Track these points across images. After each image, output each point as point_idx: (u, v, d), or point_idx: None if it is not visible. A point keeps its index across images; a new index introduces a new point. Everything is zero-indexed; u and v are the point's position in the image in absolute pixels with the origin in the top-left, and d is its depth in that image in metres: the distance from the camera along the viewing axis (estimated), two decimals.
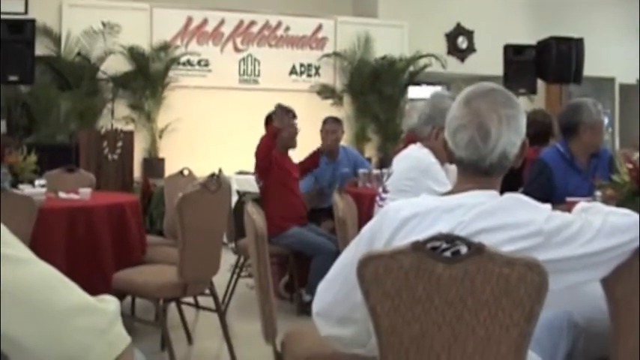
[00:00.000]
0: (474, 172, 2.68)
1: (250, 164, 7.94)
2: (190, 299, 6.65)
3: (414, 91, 15.26)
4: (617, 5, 16.23)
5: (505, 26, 14.99)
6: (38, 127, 11.90)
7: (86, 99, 12.21)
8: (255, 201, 5.70)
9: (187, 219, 5.53)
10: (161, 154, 12.88)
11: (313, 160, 8.19)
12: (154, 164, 12.69)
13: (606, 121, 5.89)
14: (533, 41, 13.20)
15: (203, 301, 6.67)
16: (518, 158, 2.72)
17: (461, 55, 15.49)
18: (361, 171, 8.62)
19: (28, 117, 11.92)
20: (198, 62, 13.50)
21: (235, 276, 7.56)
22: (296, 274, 7.61)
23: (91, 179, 7.78)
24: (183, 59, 13.27)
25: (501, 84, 11.96)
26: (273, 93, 13.15)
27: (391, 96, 14.22)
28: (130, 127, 12.30)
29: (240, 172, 11.79)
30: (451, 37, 15.45)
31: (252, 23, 13.89)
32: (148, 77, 12.81)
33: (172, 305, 6.22)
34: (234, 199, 8.81)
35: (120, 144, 10.69)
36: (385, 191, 5.07)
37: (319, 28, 14.31)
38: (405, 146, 5.56)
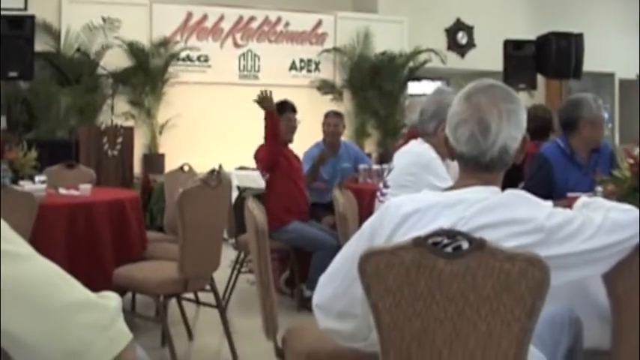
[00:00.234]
0: (475, 168, 2.69)
1: (250, 160, 7.93)
2: (191, 295, 6.66)
3: (413, 87, 15.26)
4: (617, 0, 16.22)
5: (505, 21, 14.98)
6: (38, 123, 11.90)
7: (86, 95, 12.20)
8: (255, 197, 5.71)
9: (188, 215, 5.53)
10: (161, 150, 12.88)
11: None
12: (154, 160, 12.68)
13: (606, 116, 5.90)
14: (532, 36, 13.21)
15: (203, 296, 6.68)
16: (520, 153, 2.72)
17: (461, 50, 15.48)
18: (361, 166, 8.63)
19: (28, 113, 11.91)
20: (198, 58, 13.49)
21: (236, 272, 7.56)
22: (297, 269, 7.61)
23: (91, 175, 7.77)
24: (183, 55, 13.26)
25: (501, 79, 12.02)
26: (273, 88, 12.96)
27: (391, 91, 14.22)
28: (130, 122, 12.29)
29: (241, 168, 11.78)
30: (451, 33, 15.44)
31: (252, 19, 13.88)
32: (147, 73, 12.80)
33: (173, 301, 6.23)
34: (235, 194, 8.81)
35: (120, 140, 10.69)
36: (386, 186, 5.07)
37: (319, 23, 14.30)
38: (406, 142, 5.57)
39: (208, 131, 12.94)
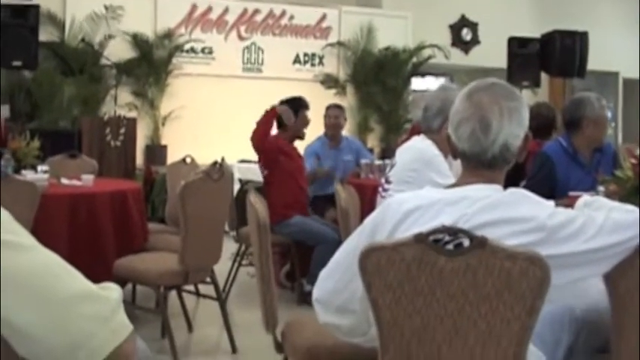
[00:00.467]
0: (477, 165, 2.69)
1: (252, 153, 7.93)
2: (191, 287, 6.67)
3: (417, 83, 15.25)
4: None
5: (509, 19, 14.97)
6: (41, 112, 11.89)
7: (89, 85, 12.21)
8: (257, 190, 5.72)
9: (190, 207, 5.54)
10: (163, 142, 12.88)
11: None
12: (156, 151, 12.69)
13: (609, 115, 5.90)
14: (537, 34, 13.20)
15: (204, 288, 6.69)
16: (522, 151, 2.73)
17: (465, 46, 15.47)
18: (363, 161, 8.64)
19: (31, 102, 11.91)
20: (202, 50, 13.49)
21: (236, 264, 7.57)
22: (297, 263, 7.61)
23: (93, 165, 7.78)
24: (187, 47, 13.25)
25: (505, 77, 12.06)
26: (276, 82, 13.16)
27: (394, 87, 14.22)
28: (133, 113, 12.30)
29: (243, 161, 11.77)
30: (455, 29, 15.44)
31: (257, 12, 13.88)
32: (151, 64, 12.81)
33: (173, 293, 6.23)
34: (236, 187, 8.81)
35: (123, 131, 10.69)
36: (388, 182, 5.07)
37: (323, 17, 14.30)
38: (409, 137, 5.57)
39: (211, 123, 12.95)
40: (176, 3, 13.34)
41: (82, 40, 12.41)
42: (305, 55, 14.21)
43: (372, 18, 14.35)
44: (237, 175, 9.64)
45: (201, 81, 13.22)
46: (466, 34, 15.46)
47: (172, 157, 11.45)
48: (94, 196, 6.26)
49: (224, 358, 5.92)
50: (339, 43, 14.23)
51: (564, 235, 2.53)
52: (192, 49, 13.38)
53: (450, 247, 2.38)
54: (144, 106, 12.83)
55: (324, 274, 2.86)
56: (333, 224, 7.30)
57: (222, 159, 6.20)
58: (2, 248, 1.53)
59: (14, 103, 11.50)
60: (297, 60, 14.16)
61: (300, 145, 8.12)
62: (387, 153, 12.98)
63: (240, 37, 13.80)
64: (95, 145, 10.50)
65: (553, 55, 12.70)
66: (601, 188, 5.01)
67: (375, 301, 2.48)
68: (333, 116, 8.84)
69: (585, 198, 3.04)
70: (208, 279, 6.06)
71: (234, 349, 5.88)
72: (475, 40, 15.51)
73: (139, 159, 11.94)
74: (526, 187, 5.46)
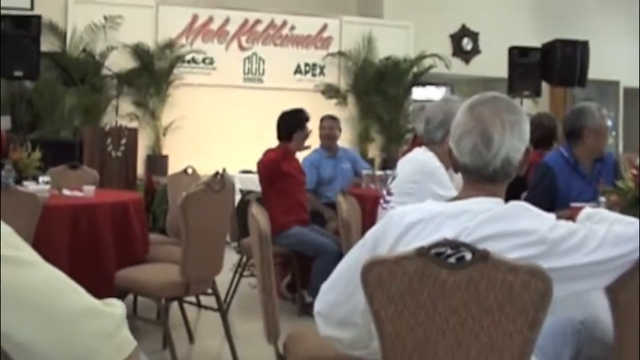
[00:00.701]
0: (479, 179, 2.69)
1: (253, 163, 7.92)
2: (192, 298, 6.66)
3: (418, 92, 15.26)
4: (623, 8, 16.22)
5: (510, 28, 14.98)
6: (42, 122, 11.92)
7: (91, 95, 12.23)
8: (258, 200, 5.72)
9: (191, 218, 5.54)
10: (165, 152, 12.89)
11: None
12: (157, 161, 12.70)
13: (610, 124, 5.90)
14: (538, 43, 13.21)
15: (205, 299, 6.68)
16: (523, 165, 2.73)
17: (466, 56, 15.47)
18: (364, 172, 8.67)
19: (32, 113, 11.93)
20: (203, 60, 13.50)
21: (238, 275, 7.56)
22: (298, 274, 7.60)
23: (94, 176, 7.78)
24: (188, 57, 13.27)
25: (506, 86, 12.06)
26: (277, 92, 13.18)
27: (395, 97, 14.23)
28: (134, 124, 12.32)
29: (244, 171, 11.79)
30: (456, 39, 15.44)
31: (258, 22, 13.89)
32: (152, 74, 12.82)
33: (174, 304, 6.23)
34: (237, 197, 8.82)
35: (124, 141, 10.71)
36: (389, 194, 5.07)
37: (324, 27, 14.30)
38: (411, 149, 5.58)
39: (212, 133, 12.96)
40: (177, 13, 13.36)
41: (84, 50, 12.44)
42: (306, 65, 14.22)
43: (372, 28, 14.36)
44: (238, 186, 9.65)
45: (202, 91, 13.24)
46: (467, 43, 15.47)
47: (173, 167, 11.47)
48: (96, 208, 6.26)
49: None
50: (340, 53, 14.23)
51: (566, 248, 2.53)
52: (194, 60, 13.40)
53: (452, 260, 2.38)
54: (145, 117, 12.84)
55: (325, 287, 2.86)
56: (334, 235, 7.29)
57: (224, 170, 6.20)
58: (4, 264, 1.52)
59: (15, 114, 11.51)
60: (298, 70, 14.17)
61: (299, 155, 8.11)
62: (388, 163, 13.00)
63: (241, 48, 13.81)
64: (96, 155, 10.52)
65: (554, 64, 12.71)
66: (602, 199, 5.02)
67: (377, 314, 2.48)
68: (328, 127, 8.86)
69: (587, 211, 3.05)
70: (210, 290, 6.05)
71: None
72: (476, 50, 15.52)
73: (140, 169, 11.96)
74: (527, 198, 5.51)
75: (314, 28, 14.24)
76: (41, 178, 6.76)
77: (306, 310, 6.98)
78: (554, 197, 5.55)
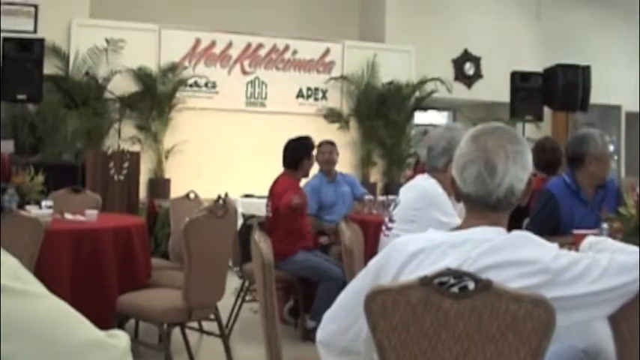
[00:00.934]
0: (482, 208, 2.70)
1: (256, 187, 7.95)
2: (194, 323, 6.65)
3: (420, 117, 15.29)
4: (624, 33, 16.25)
5: (512, 53, 15.02)
6: (44, 146, 11.93)
7: (93, 118, 12.25)
8: (260, 225, 5.71)
9: (194, 244, 5.54)
10: (167, 175, 12.91)
11: None
12: (159, 185, 12.72)
13: (612, 149, 5.90)
14: (540, 68, 13.26)
15: (207, 325, 6.67)
16: (525, 195, 2.73)
17: (468, 81, 15.51)
18: (367, 197, 8.67)
19: (35, 136, 11.95)
20: (206, 84, 13.53)
21: (240, 300, 7.55)
22: (301, 299, 7.59)
23: (97, 200, 7.78)
24: (191, 81, 13.31)
25: (508, 110, 12.08)
26: (280, 116, 13.22)
27: (397, 121, 14.25)
28: (137, 147, 12.32)
29: (246, 195, 11.79)
30: (458, 63, 15.48)
31: (260, 46, 13.93)
32: (155, 98, 12.85)
33: (176, 329, 6.22)
34: (240, 222, 8.82)
35: (126, 165, 10.70)
36: (392, 221, 5.08)
37: (327, 52, 14.34)
38: (414, 175, 5.59)
39: (214, 157, 12.99)
40: (180, 37, 13.40)
41: (86, 73, 12.47)
42: (308, 89, 14.25)
43: (375, 52, 14.39)
44: (240, 210, 9.65)
45: (204, 115, 13.26)
46: (469, 68, 15.51)
47: (175, 190, 11.48)
48: (98, 232, 6.26)
49: None
50: (343, 78, 14.26)
51: (569, 277, 2.54)
52: (196, 83, 13.43)
53: (455, 289, 2.39)
54: (147, 140, 12.86)
55: (327, 316, 2.87)
56: (338, 260, 7.28)
57: (226, 194, 6.20)
58: (10, 296, 1.53)
59: (18, 137, 11.54)
60: (300, 94, 14.20)
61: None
62: (390, 188, 13.01)
63: (244, 72, 13.84)
64: (99, 178, 10.51)
65: (556, 89, 12.76)
66: (605, 225, 5.01)
67: (380, 343, 2.48)
68: (327, 152, 8.87)
69: (590, 239, 3.05)
70: (212, 315, 6.05)
71: None
72: (478, 75, 15.55)
73: (142, 192, 11.95)
74: (530, 224, 5.51)
75: (316, 53, 14.28)
76: (44, 203, 6.77)
77: (308, 335, 6.96)
78: (556, 224, 5.54)
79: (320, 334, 2.89)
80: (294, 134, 7.87)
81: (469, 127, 2.90)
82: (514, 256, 2.54)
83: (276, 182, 7.65)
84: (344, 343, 2.80)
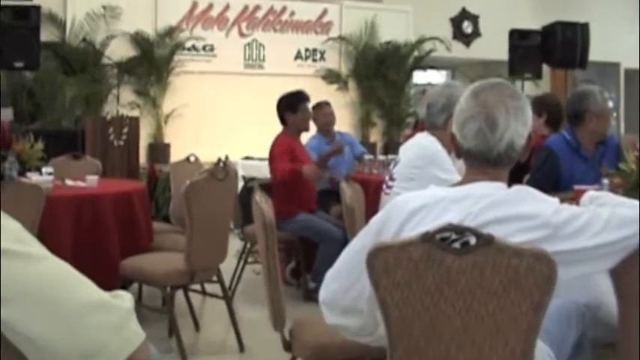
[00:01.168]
0: (482, 163, 2.70)
1: (256, 150, 7.94)
2: (197, 286, 6.67)
3: (419, 76, 15.26)
4: None
5: (510, 11, 14.96)
6: (43, 113, 11.91)
7: (91, 85, 12.22)
8: (261, 186, 5.72)
9: (195, 207, 5.54)
10: (166, 140, 12.91)
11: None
12: (159, 149, 12.72)
13: (611, 105, 5.89)
14: (538, 26, 13.21)
15: (210, 287, 6.69)
16: (525, 151, 2.74)
17: (466, 39, 15.46)
18: (366, 157, 8.68)
19: (33, 103, 11.92)
20: (204, 47, 13.50)
21: (242, 262, 7.57)
22: (302, 260, 7.61)
23: (97, 166, 7.77)
24: (189, 44, 13.27)
25: (506, 69, 12.05)
26: (278, 78, 13.17)
27: (396, 81, 14.22)
28: (136, 112, 12.30)
29: (246, 158, 11.79)
30: (456, 22, 15.43)
31: (257, 8, 13.89)
32: (152, 62, 12.82)
33: (179, 292, 6.24)
34: (240, 184, 8.81)
35: (126, 130, 10.68)
36: (392, 179, 5.08)
37: (324, 12, 14.29)
38: (413, 134, 5.58)
39: (214, 121, 12.97)
40: (176, 0, 13.34)
41: (83, 39, 12.44)
42: (306, 50, 14.22)
43: (373, 12, 14.34)
44: (240, 172, 9.65)
45: (203, 78, 13.23)
46: (467, 26, 15.46)
47: (175, 155, 11.47)
48: (99, 198, 6.26)
49: (232, 356, 5.92)
50: (341, 38, 14.22)
51: (570, 231, 2.54)
52: (194, 47, 13.40)
53: (457, 245, 2.39)
54: (146, 105, 12.85)
55: (329, 275, 2.87)
56: (339, 220, 7.29)
57: (226, 157, 6.21)
58: (13, 258, 1.53)
59: (16, 105, 11.50)
60: (298, 56, 14.17)
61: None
62: (390, 147, 13.01)
63: (242, 34, 13.81)
64: (98, 144, 10.50)
65: (554, 46, 12.72)
66: (605, 181, 5.02)
67: (383, 300, 2.49)
68: (328, 113, 8.83)
69: (590, 194, 3.06)
70: (214, 277, 6.06)
71: (241, 348, 5.88)
72: (476, 33, 15.51)
73: (142, 157, 11.94)
74: (530, 180, 5.51)
75: (314, 14, 14.23)
76: (44, 169, 6.76)
77: (310, 295, 6.99)
78: (556, 180, 5.54)
79: (322, 294, 2.89)
80: None
81: (468, 85, 2.89)
82: (515, 211, 2.55)
83: (274, 143, 7.64)
84: (346, 302, 2.81)
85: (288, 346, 3.75)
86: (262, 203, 3.67)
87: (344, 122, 12.13)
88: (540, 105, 6.76)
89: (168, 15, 13.18)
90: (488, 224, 2.51)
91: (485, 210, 2.55)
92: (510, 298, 2.42)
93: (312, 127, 8.34)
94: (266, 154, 7.75)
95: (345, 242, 2.94)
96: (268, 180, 7.95)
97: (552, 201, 2.63)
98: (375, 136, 14.30)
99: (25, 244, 1.58)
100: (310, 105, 7.91)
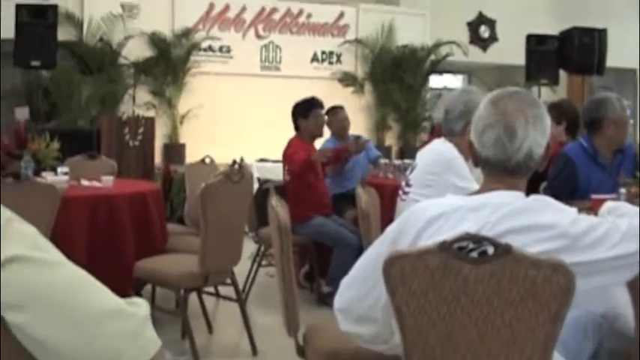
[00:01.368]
0: (500, 172, 2.68)
1: (271, 152, 7.94)
2: (211, 288, 6.66)
3: (435, 80, 15.24)
4: None
5: (527, 16, 14.93)
6: (59, 112, 11.95)
7: (108, 84, 12.26)
8: (276, 188, 5.70)
9: (210, 209, 5.54)
10: (182, 140, 12.93)
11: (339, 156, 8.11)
12: (174, 150, 12.73)
13: (628, 112, 5.85)
14: (555, 31, 13.19)
15: (224, 290, 6.68)
16: (543, 160, 2.72)
17: (483, 44, 15.44)
18: (382, 161, 8.65)
19: (50, 102, 11.95)
20: (220, 48, 13.52)
21: (256, 265, 7.56)
22: (316, 264, 7.61)
23: (112, 166, 7.77)
24: (205, 45, 13.30)
25: (523, 74, 12.00)
26: (294, 80, 13.17)
27: (412, 85, 14.21)
28: (151, 113, 12.33)
29: (262, 160, 11.79)
30: (473, 26, 15.42)
31: (274, 10, 13.91)
32: (169, 63, 12.85)
33: (193, 294, 6.24)
34: (255, 186, 8.81)
35: (141, 130, 10.68)
36: (408, 185, 5.06)
37: (341, 15, 14.30)
38: (430, 140, 5.56)
39: (229, 122, 12.98)
40: (193, 2, 13.39)
41: (100, 39, 12.46)
42: (323, 53, 14.23)
43: (390, 16, 14.35)
44: (255, 174, 9.64)
45: (219, 79, 13.25)
46: (484, 31, 15.44)
47: (191, 155, 11.50)
48: (114, 198, 6.25)
49: None
50: (357, 41, 14.22)
51: (588, 242, 2.52)
52: (210, 48, 13.43)
53: (475, 254, 2.38)
54: (162, 105, 12.88)
55: (345, 283, 2.86)
56: (353, 224, 7.28)
57: (241, 159, 6.19)
58: (26, 264, 1.52)
59: (32, 104, 11.53)
60: (314, 58, 14.18)
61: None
62: (405, 151, 13.00)
63: (258, 36, 13.83)
64: (114, 144, 10.52)
65: (572, 52, 12.69)
66: (622, 190, 4.99)
67: (398, 308, 2.47)
68: (343, 118, 8.81)
69: (609, 204, 3.04)
70: (228, 280, 6.06)
71: (254, 351, 5.87)
72: (493, 38, 15.48)
73: (158, 158, 11.95)
74: (547, 188, 5.48)
75: (331, 16, 14.24)
76: (60, 169, 6.76)
77: (324, 299, 6.99)
78: (574, 188, 5.51)
79: (337, 302, 2.88)
80: None
81: (485, 91, 2.88)
82: (533, 221, 2.53)
83: (288, 145, 7.67)
84: (361, 310, 2.79)
85: (301, 352, 3.73)
86: (278, 207, 3.66)
87: (359, 126, 12.12)
88: (559, 112, 6.73)
89: (185, 16, 13.21)
90: (505, 234, 2.49)
91: (502, 219, 2.53)
92: (527, 308, 2.40)
93: (326, 132, 8.34)
94: (280, 157, 7.76)
95: (359, 248, 2.93)
96: (283, 182, 7.95)
97: (570, 211, 2.61)
98: (391, 139, 14.29)
99: (40, 249, 1.57)
100: (325, 109, 7.92)
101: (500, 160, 2.66)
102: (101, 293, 1.61)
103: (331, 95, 11.32)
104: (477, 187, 2.88)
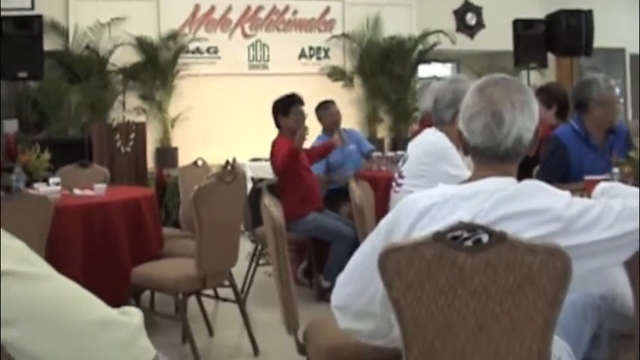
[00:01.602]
0: (490, 159, 2.68)
1: (263, 151, 7.93)
2: (210, 291, 6.65)
3: (424, 70, 15.22)
4: None
5: (513, 1, 14.89)
6: (49, 122, 11.90)
7: (96, 92, 12.21)
8: (270, 187, 5.70)
9: (204, 211, 5.52)
10: (174, 144, 12.89)
11: (325, 151, 8.11)
12: (167, 154, 12.70)
13: (618, 92, 5.83)
14: (542, 15, 13.17)
15: (222, 291, 6.67)
16: (533, 145, 2.71)
17: (470, 31, 15.40)
18: (375, 154, 8.64)
19: (38, 113, 11.92)
20: (207, 50, 13.48)
21: (253, 264, 7.55)
22: (314, 259, 7.60)
23: (105, 174, 7.76)
24: (192, 47, 13.25)
25: (511, 59, 11.99)
26: (283, 77, 13.13)
27: (401, 76, 14.18)
28: (142, 118, 12.29)
29: (254, 159, 11.77)
30: (459, 14, 15.37)
31: (260, 8, 13.85)
32: (157, 67, 12.80)
33: (192, 297, 6.22)
34: (249, 186, 8.79)
35: (132, 136, 10.65)
36: (401, 177, 5.06)
37: (327, 10, 14.25)
38: (420, 130, 5.55)
39: (220, 122, 12.94)
40: (179, 4, 13.33)
41: (87, 47, 12.43)
42: (310, 48, 14.18)
43: (376, 8, 14.29)
44: (249, 174, 9.62)
45: (208, 81, 13.21)
46: (470, 18, 15.39)
47: (183, 158, 11.47)
48: (108, 206, 6.24)
49: None
50: (344, 35, 14.18)
51: (582, 224, 2.52)
52: (198, 50, 13.38)
53: (469, 243, 2.37)
54: (152, 110, 12.83)
55: (341, 280, 2.85)
56: (348, 219, 7.27)
57: (234, 159, 6.18)
58: (14, 279, 1.51)
59: (21, 115, 11.50)
60: (302, 54, 14.13)
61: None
62: (398, 143, 12.98)
63: (245, 35, 13.78)
64: (105, 151, 10.48)
65: (559, 35, 12.69)
66: (615, 170, 4.98)
67: (396, 301, 2.47)
68: (335, 112, 8.76)
69: (602, 185, 3.03)
70: (226, 281, 6.04)
71: (256, 352, 5.87)
72: (480, 24, 15.44)
73: (150, 163, 11.92)
74: (539, 172, 5.48)
75: (317, 12, 14.20)
76: (51, 179, 6.73)
77: (324, 295, 6.99)
78: (566, 170, 5.51)
79: (334, 299, 2.87)
80: None
81: (474, 79, 2.87)
82: (526, 206, 2.52)
83: (273, 144, 7.67)
84: (359, 306, 2.79)
85: (302, 349, 3.72)
86: (271, 207, 3.65)
87: (350, 119, 12.09)
88: (548, 96, 6.73)
89: (171, 19, 13.16)
90: (499, 221, 2.48)
91: (496, 206, 2.53)
92: (525, 295, 2.40)
93: (318, 127, 8.34)
94: None
95: (356, 240, 2.91)
96: (275, 181, 7.94)
97: (563, 194, 2.60)
98: (383, 132, 14.26)
99: (29, 263, 1.55)
100: (315, 105, 7.90)
101: (489, 146, 2.65)
102: (92, 304, 1.59)
103: (321, 90, 11.31)
104: (469, 174, 2.87)
